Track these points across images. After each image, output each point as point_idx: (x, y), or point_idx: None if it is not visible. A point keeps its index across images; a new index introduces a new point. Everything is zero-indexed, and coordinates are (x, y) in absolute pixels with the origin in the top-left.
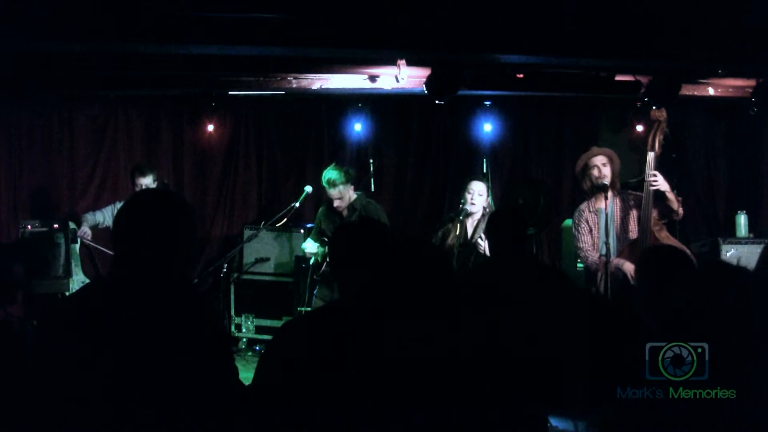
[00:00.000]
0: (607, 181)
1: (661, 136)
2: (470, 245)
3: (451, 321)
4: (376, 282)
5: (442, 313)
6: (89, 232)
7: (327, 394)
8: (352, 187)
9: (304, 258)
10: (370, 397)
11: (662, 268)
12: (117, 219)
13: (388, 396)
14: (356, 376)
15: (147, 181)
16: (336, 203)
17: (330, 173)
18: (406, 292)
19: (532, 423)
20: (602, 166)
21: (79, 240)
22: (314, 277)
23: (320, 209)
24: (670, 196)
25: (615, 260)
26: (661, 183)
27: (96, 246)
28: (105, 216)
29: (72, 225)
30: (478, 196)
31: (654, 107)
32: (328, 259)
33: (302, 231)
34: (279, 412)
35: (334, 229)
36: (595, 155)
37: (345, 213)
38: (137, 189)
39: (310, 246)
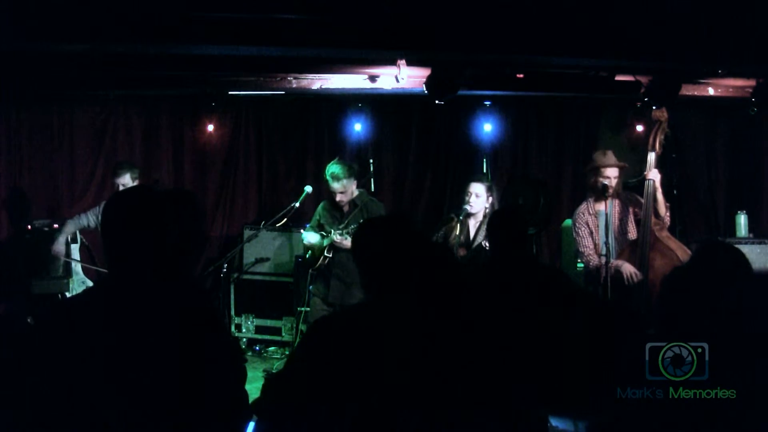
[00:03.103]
0: (611, 191)
1: (662, 136)
2: (475, 247)
3: (458, 320)
4: (405, 277)
5: (451, 311)
6: (62, 250)
7: (350, 392)
8: (355, 182)
9: (303, 257)
10: (377, 394)
11: (720, 266)
12: (104, 219)
13: (394, 394)
14: (366, 377)
15: (124, 181)
16: (338, 197)
17: (334, 167)
18: (424, 287)
19: (532, 423)
20: (613, 178)
21: (79, 240)
22: (310, 271)
23: (321, 204)
24: (659, 197)
25: (614, 262)
26: (657, 181)
27: (69, 260)
28: (90, 219)
29: None
30: (475, 198)
31: (655, 107)
32: (325, 253)
33: (302, 231)
34: (313, 409)
35: (359, 226)
36: (610, 167)
37: (346, 209)
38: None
39: (312, 236)
